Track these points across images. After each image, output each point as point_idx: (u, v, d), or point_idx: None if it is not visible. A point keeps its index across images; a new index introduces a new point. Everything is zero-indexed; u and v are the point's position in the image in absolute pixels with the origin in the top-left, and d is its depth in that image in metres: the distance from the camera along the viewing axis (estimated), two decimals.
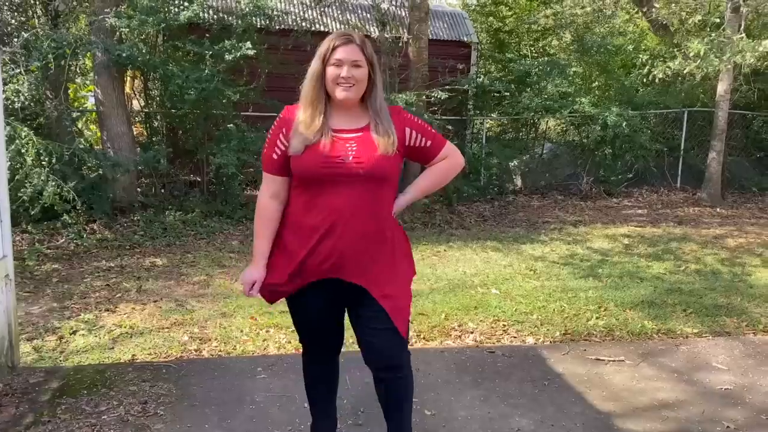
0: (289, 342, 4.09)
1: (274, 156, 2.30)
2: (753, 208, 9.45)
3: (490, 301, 4.99)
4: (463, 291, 5.24)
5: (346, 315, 2.48)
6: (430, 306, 4.82)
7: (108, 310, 4.67)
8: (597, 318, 4.70)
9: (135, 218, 6.98)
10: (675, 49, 7.64)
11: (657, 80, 7.01)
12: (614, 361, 3.87)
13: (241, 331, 4.27)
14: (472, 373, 3.63)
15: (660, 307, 4.96)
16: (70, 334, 4.20)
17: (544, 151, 10.18)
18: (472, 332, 4.36)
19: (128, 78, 8.65)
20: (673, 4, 7.39)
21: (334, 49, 2.23)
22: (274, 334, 4.23)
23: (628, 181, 9.75)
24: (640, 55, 6.54)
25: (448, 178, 2.51)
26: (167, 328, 4.34)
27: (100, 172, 6.53)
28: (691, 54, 6.15)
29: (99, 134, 7.26)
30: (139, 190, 7.38)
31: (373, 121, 2.31)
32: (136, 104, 8.69)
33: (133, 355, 3.90)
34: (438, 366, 3.71)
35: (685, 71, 6.30)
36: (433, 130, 2.44)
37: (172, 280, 5.42)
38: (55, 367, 3.67)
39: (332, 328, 2.50)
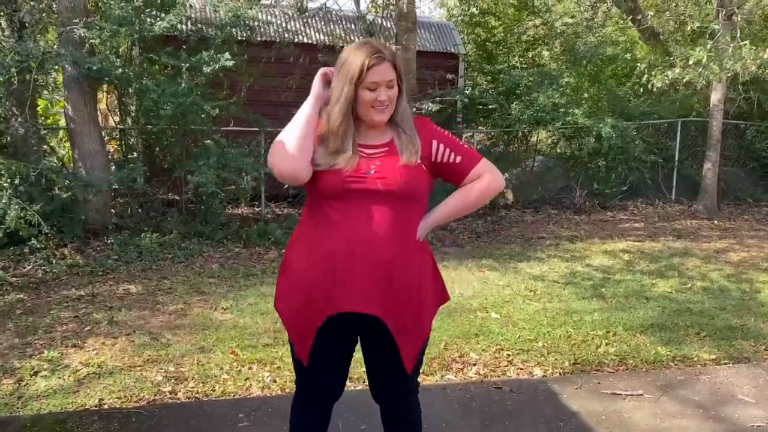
0: (274, 381, 3.71)
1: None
2: (750, 220, 9.23)
3: (491, 326, 4.64)
4: (461, 316, 4.89)
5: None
6: None
7: (75, 346, 4.25)
8: (607, 344, 4.38)
9: (109, 241, 6.55)
10: (672, 58, 7.42)
11: (655, 89, 6.77)
12: (632, 395, 3.54)
13: (221, 369, 3.88)
14: (478, 413, 3.28)
15: (672, 330, 4.65)
16: (31, 376, 3.78)
17: (536, 164, 9.90)
18: (474, 364, 4.00)
19: (103, 93, 8.26)
20: (667, 12, 7.18)
21: (368, 69, 1.96)
22: (258, 371, 3.84)
23: (622, 194, 9.49)
24: (638, 64, 6.31)
25: (480, 201, 2.17)
26: (139, 366, 3.93)
27: (71, 193, 6.10)
28: (691, 62, 5.91)
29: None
30: (113, 211, 6.95)
31: (396, 132, 2.06)
32: (113, 121, 8.28)
33: (101, 399, 3.49)
34: (440, 406, 3.35)
35: (684, 80, 6.05)
36: (464, 145, 2.15)
37: (146, 310, 5.01)
38: (9, 417, 3.25)
39: (340, 371, 2.18)
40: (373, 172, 1.99)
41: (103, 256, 6.32)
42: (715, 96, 8.89)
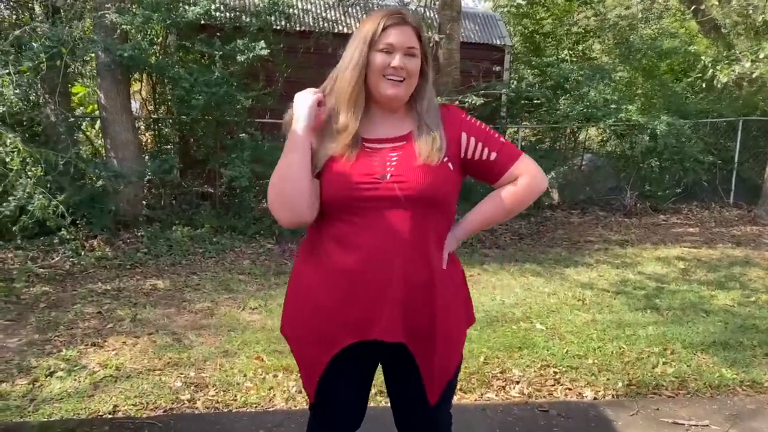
0: (300, 392, 3.43)
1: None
2: None
3: (535, 339, 4.28)
4: (503, 326, 4.53)
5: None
6: (466, 346, 4.11)
7: (95, 345, 4.06)
8: (664, 363, 3.97)
9: (139, 234, 6.39)
10: (737, 52, 6.88)
11: (719, 85, 6.26)
12: (697, 426, 3.15)
13: (245, 375, 3.63)
14: None
15: (736, 350, 4.21)
16: (46, 376, 3.59)
17: (584, 163, 9.41)
18: (517, 381, 3.65)
19: (141, 82, 8.13)
20: (733, 2, 6.64)
21: (384, 30, 1.64)
22: (283, 380, 3.57)
23: (676, 197, 8.93)
24: (702, 58, 5.82)
25: (520, 206, 1.80)
26: (159, 369, 3.70)
27: (101, 183, 5.95)
28: (762, 55, 5.41)
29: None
30: (144, 202, 6.79)
31: (416, 124, 1.70)
32: (148, 110, 8.14)
33: (115, 405, 3.27)
34: (480, 430, 3.02)
35: (754, 75, 5.55)
36: (501, 138, 1.78)
37: (172, 308, 4.80)
38: (16, 423, 3.05)
39: (357, 407, 1.86)
40: (389, 176, 1.64)
41: (132, 248, 6.16)
42: None
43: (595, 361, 3.96)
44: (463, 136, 1.74)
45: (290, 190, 1.64)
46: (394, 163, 1.66)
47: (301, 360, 1.80)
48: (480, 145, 1.74)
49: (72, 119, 5.81)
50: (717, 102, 9.13)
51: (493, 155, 1.74)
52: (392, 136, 1.71)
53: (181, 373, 3.65)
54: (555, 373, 3.79)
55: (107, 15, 5.53)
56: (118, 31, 5.85)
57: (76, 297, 4.99)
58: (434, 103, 1.75)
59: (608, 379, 3.71)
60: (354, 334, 1.69)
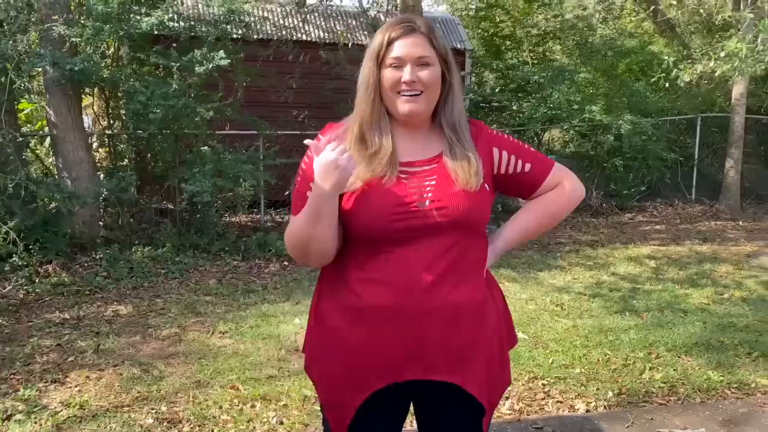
0: (281, 423, 3.24)
1: (308, 193, 1.51)
2: None
3: (519, 350, 4.16)
4: None
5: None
6: None
7: (56, 382, 3.77)
8: (651, 368, 3.92)
9: (97, 256, 6.07)
10: (693, 50, 6.98)
11: (683, 84, 6.32)
12: None
13: (220, 407, 3.41)
14: None
15: (719, 350, 4.19)
16: (3, 420, 3.31)
17: None
18: (507, 397, 3.53)
19: (93, 97, 7.77)
20: (690, 2, 6.73)
21: (389, 43, 1.49)
22: (262, 410, 3.37)
23: (640, 195, 9.01)
24: (665, 58, 5.87)
25: (563, 213, 1.70)
26: (128, 405, 3.46)
27: (54, 205, 5.62)
28: (723, 54, 5.46)
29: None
30: (101, 223, 6.46)
31: (448, 143, 1.55)
32: (101, 126, 7.79)
33: None
34: None
35: (716, 73, 5.61)
36: (531, 149, 1.67)
37: (137, 335, 4.54)
38: None
39: None
40: (428, 202, 1.49)
41: (90, 273, 5.84)
42: (737, 90, 8.44)
43: (583, 370, 3.88)
44: (495, 151, 1.61)
45: (317, 250, 1.52)
46: (433, 187, 1.51)
47: (329, 405, 1.64)
48: (513, 158, 1.63)
49: (21, 139, 5.46)
50: (676, 100, 9.27)
51: (528, 167, 1.64)
52: (424, 158, 1.56)
53: (152, 408, 3.42)
54: (544, 385, 3.69)
55: (54, 27, 5.22)
56: (67, 44, 5.54)
57: (32, 329, 4.67)
58: (464, 118, 1.60)
59: (598, 389, 3.62)
60: (387, 377, 1.54)
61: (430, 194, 1.51)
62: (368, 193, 1.49)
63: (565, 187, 1.66)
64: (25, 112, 8.71)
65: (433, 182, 1.52)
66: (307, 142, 1.51)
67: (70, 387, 3.70)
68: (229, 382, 3.70)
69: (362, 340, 1.52)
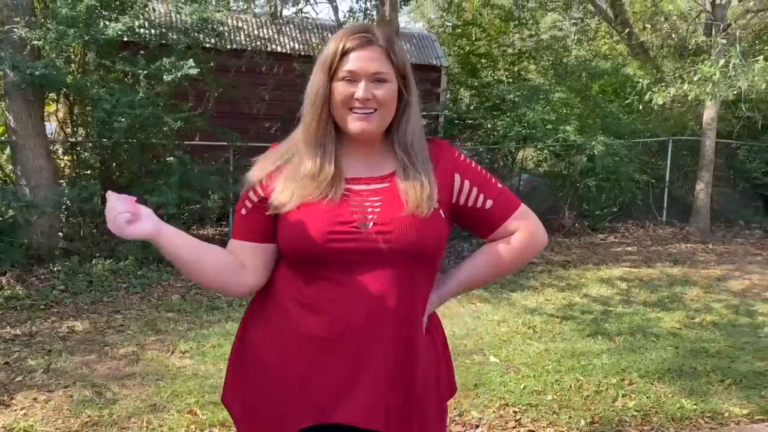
0: None
1: (242, 211, 1.45)
2: (745, 244, 8.84)
3: (491, 374, 4.06)
4: (455, 361, 4.20)
5: None
6: None
7: (0, 404, 3.55)
8: (624, 395, 3.83)
9: (55, 269, 5.82)
10: (665, 74, 7.04)
11: (656, 106, 6.35)
12: None
13: None
14: None
15: (691, 377, 4.13)
16: None
17: (521, 183, 9.41)
18: (477, 425, 3.42)
19: (58, 102, 7.52)
20: (665, 25, 6.79)
21: (344, 54, 1.35)
22: None
23: (612, 215, 9.03)
24: (639, 80, 5.89)
25: (519, 264, 1.56)
26: (76, 431, 3.25)
27: (11, 214, 5.37)
28: (696, 78, 5.49)
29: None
30: (61, 234, 6.20)
31: (401, 163, 1.41)
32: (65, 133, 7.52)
33: None
34: None
35: (690, 97, 5.63)
36: (499, 184, 1.51)
37: (92, 354, 4.32)
38: None
39: None
40: (371, 224, 1.36)
41: (47, 286, 5.58)
42: (708, 114, 8.53)
43: (555, 396, 3.77)
44: (457, 178, 1.46)
45: (221, 287, 1.47)
46: (377, 209, 1.37)
47: None
48: (475, 190, 1.46)
49: None
50: (648, 122, 9.34)
51: (489, 203, 1.47)
52: (373, 175, 1.42)
53: None
54: (515, 413, 3.57)
55: (15, 30, 5.00)
56: (28, 47, 5.32)
57: None
58: (421, 137, 1.46)
59: (570, 417, 3.52)
60: (312, 416, 1.38)
61: (374, 216, 1.36)
62: (303, 212, 1.36)
63: (526, 234, 1.51)
64: None
65: (379, 203, 1.38)
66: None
67: (15, 410, 3.48)
68: (186, 406, 3.51)
69: (290, 372, 1.39)
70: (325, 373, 1.37)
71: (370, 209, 1.37)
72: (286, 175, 1.40)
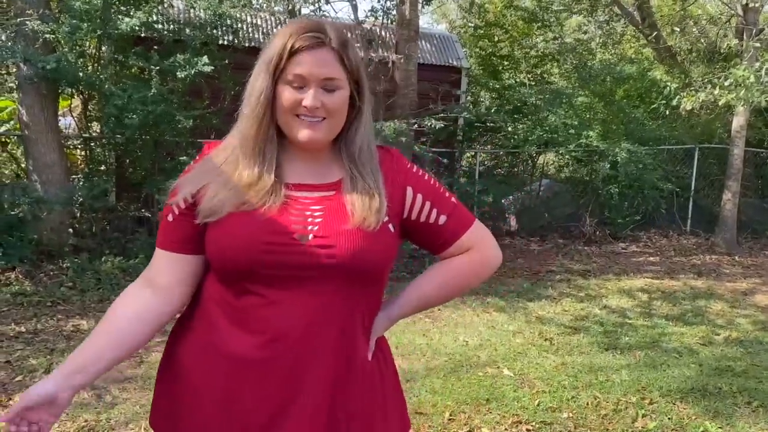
0: None
1: (169, 218, 1.29)
2: None
3: (504, 389, 3.89)
4: (468, 373, 4.13)
5: None
6: (428, 398, 3.70)
7: None
8: (644, 415, 3.64)
9: (64, 265, 5.75)
10: (694, 78, 6.81)
11: (684, 112, 6.12)
12: None
13: None
14: None
15: (716, 398, 3.92)
16: None
17: (542, 188, 9.20)
18: None
19: (78, 97, 7.48)
20: (695, 30, 6.56)
21: (291, 54, 1.19)
22: None
23: (635, 224, 8.78)
24: (668, 85, 5.67)
25: (469, 285, 1.43)
26: None
27: (21, 208, 5.31)
28: (728, 83, 5.26)
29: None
30: (71, 230, 6.14)
31: (348, 172, 1.27)
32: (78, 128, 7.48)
33: None
34: None
35: (720, 102, 5.40)
36: (453, 198, 1.38)
37: None
38: None
39: None
40: (311, 236, 1.22)
41: (55, 282, 5.52)
42: (738, 121, 8.25)
43: (571, 414, 3.60)
44: (409, 191, 1.33)
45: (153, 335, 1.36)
46: (318, 220, 1.24)
47: None
48: (428, 204, 1.34)
49: None
50: (674, 129, 9.08)
51: (443, 219, 1.35)
52: (317, 182, 1.29)
53: None
54: (528, 430, 3.40)
55: (27, 22, 4.94)
56: (40, 40, 5.26)
57: None
58: (370, 146, 1.32)
59: None
60: None
61: (314, 227, 1.23)
62: (236, 221, 1.21)
63: (478, 253, 1.39)
64: (8, 110, 8.41)
65: (321, 213, 1.25)
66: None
67: None
68: None
69: (217, 394, 1.25)
70: (253, 396, 1.23)
71: (310, 219, 1.24)
72: (219, 181, 1.25)
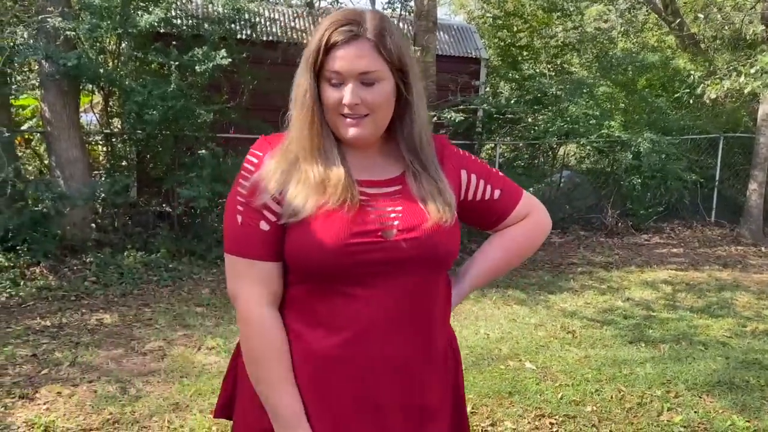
0: None
1: (264, 226, 1.21)
2: None
3: (526, 382, 3.86)
4: (490, 366, 4.10)
5: None
6: None
7: (24, 397, 3.51)
8: (669, 409, 3.59)
9: (87, 260, 5.82)
10: (718, 66, 6.66)
11: (709, 101, 6.00)
12: None
13: None
14: None
15: (744, 391, 3.85)
16: None
17: (562, 180, 9.10)
18: None
19: (100, 94, 7.54)
20: (719, 16, 6.42)
21: (327, 50, 1.17)
22: None
23: (657, 215, 8.66)
24: (692, 73, 5.55)
25: (532, 250, 1.49)
26: (96, 429, 3.18)
27: (45, 204, 5.37)
28: (753, 70, 5.14)
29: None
30: (93, 225, 6.20)
31: (411, 167, 1.26)
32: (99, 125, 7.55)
33: None
34: None
35: (746, 90, 5.28)
36: (499, 173, 1.41)
37: (119, 348, 4.26)
38: None
39: None
40: (395, 232, 1.21)
41: (79, 277, 5.58)
42: (764, 109, 8.07)
43: (594, 408, 3.56)
44: (464, 174, 1.36)
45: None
46: (398, 215, 1.23)
47: None
48: (482, 182, 1.38)
49: (6, 134, 5.21)
50: (698, 118, 8.91)
51: (497, 193, 1.39)
52: (383, 178, 1.27)
53: None
54: (551, 424, 3.37)
55: (49, 20, 4.98)
56: (61, 37, 5.30)
57: (9, 336, 4.41)
58: (429, 139, 1.31)
59: (611, 431, 3.30)
60: None
61: (397, 222, 1.22)
62: (321, 220, 1.19)
63: (532, 220, 1.44)
64: (30, 107, 8.52)
65: (400, 208, 1.24)
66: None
67: (39, 404, 3.43)
68: (209, 406, 3.41)
69: (314, 396, 1.23)
70: (342, 397, 1.23)
71: (393, 215, 1.23)
72: (297, 179, 1.22)
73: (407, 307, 1.23)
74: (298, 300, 1.24)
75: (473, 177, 1.36)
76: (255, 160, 1.26)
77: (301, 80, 1.23)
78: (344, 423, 1.23)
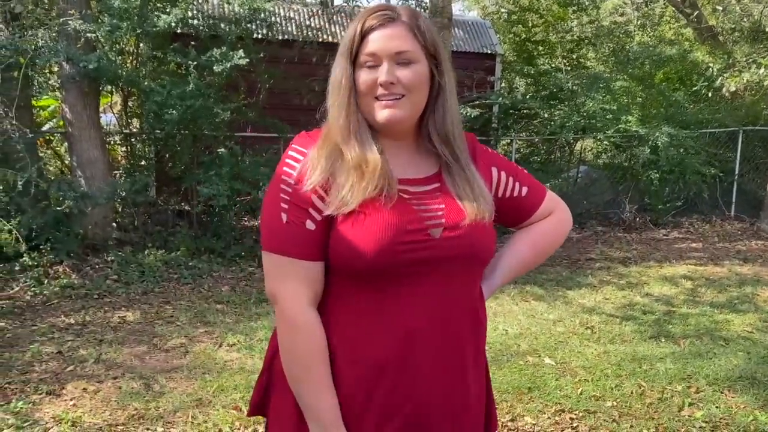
0: None
1: (310, 225, 1.20)
2: None
3: (545, 377, 3.86)
4: (509, 362, 4.11)
5: None
6: None
7: (51, 393, 3.58)
8: (690, 404, 3.58)
9: (109, 258, 5.90)
10: (746, 58, 6.58)
11: (728, 94, 5.94)
12: None
13: (220, 431, 3.17)
14: None
15: (766, 386, 3.83)
16: None
17: (579, 175, 9.05)
18: (531, 431, 3.23)
19: (120, 94, 7.63)
20: (737, 8, 6.35)
21: (364, 35, 1.19)
22: None
23: (676, 210, 8.59)
24: (711, 66, 5.50)
25: (557, 245, 1.51)
26: (122, 424, 3.24)
27: (67, 204, 5.45)
28: None
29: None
30: (114, 224, 6.29)
31: (445, 161, 1.27)
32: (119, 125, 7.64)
33: None
34: None
35: (766, 83, 5.22)
36: (525, 170, 1.45)
37: (142, 345, 4.33)
38: None
39: None
40: (442, 230, 1.22)
41: (101, 275, 5.66)
42: None
43: (615, 403, 3.56)
44: (494, 171, 1.38)
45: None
46: (443, 212, 1.24)
47: None
48: (512, 180, 1.40)
49: (31, 135, 5.29)
50: (717, 112, 8.81)
51: (525, 190, 1.41)
52: (422, 176, 1.28)
53: (147, 429, 3.20)
54: (572, 419, 3.38)
55: (70, 22, 5.05)
56: (82, 39, 5.37)
57: (35, 333, 4.49)
58: (459, 129, 1.31)
59: (632, 426, 3.30)
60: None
61: (441, 221, 1.23)
62: (366, 219, 1.18)
63: (556, 216, 1.47)
64: (50, 108, 8.64)
65: (443, 206, 1.24)
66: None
67: (66, 400, 3.50)
68: (232, 402, 3.46)
69: (351, 402, 1.23)
70: (394, 401, 1.22)
71: (441, 213, 1.24)
72: (341, 165, 1.22)
73: (456, 303, 1.24)
74: (340, 299, 1.23)
75: (503, 174, 1.38)
76: (299, 156, 1.24)
77: (338, 69, 1.25)
78: (386, 425, 1.23)
